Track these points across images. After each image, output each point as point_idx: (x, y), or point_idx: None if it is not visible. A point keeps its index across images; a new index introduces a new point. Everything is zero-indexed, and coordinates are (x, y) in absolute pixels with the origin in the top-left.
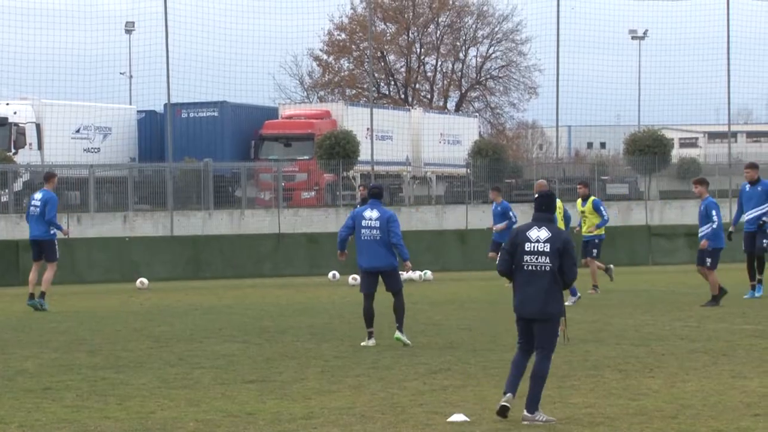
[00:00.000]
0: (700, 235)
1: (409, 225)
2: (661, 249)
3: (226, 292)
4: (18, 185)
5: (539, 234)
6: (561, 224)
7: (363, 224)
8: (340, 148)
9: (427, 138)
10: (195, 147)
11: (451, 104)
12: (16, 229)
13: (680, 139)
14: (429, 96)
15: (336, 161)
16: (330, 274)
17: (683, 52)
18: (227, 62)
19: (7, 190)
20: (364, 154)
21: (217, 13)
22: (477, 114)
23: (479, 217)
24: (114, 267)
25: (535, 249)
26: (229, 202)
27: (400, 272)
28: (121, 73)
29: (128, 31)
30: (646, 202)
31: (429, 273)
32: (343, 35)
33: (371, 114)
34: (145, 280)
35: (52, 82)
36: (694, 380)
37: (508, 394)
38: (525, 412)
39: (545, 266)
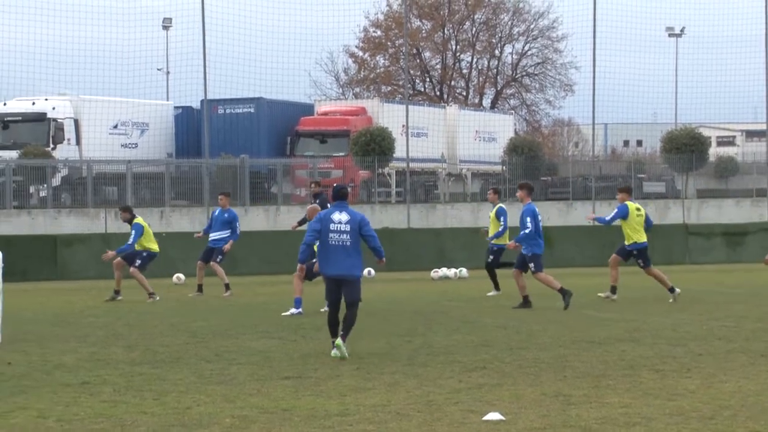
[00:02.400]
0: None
1: (444, 222)
2: (698, 248)
3: (262, 288)
4: (56, 180)
5: None
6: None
7: (331, 228)
8: (375, 145)
9: (462, 135)
10: (231, 143)
11: (486, 101)
12: (54, 224)
13: (717, 137)
14: (464, 93)
15: (371, 158)
16: (365, 271)
17: (720, 49)
18: (263, 58)
19: (45, 185)
20: (399, 150)
21: (254, 10)
22: (512, 111)
23: (514, 214)
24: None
25: None
26: (265, 198)
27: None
28: (158, 69)
29: (165, 28)
30: (683, 200)
31: (464, 271)
32: (379, 32)
33: (407, 111)
34: (181, 276)
35: (90, 78)
36: (732, 381)
37: None
38: None
39: None
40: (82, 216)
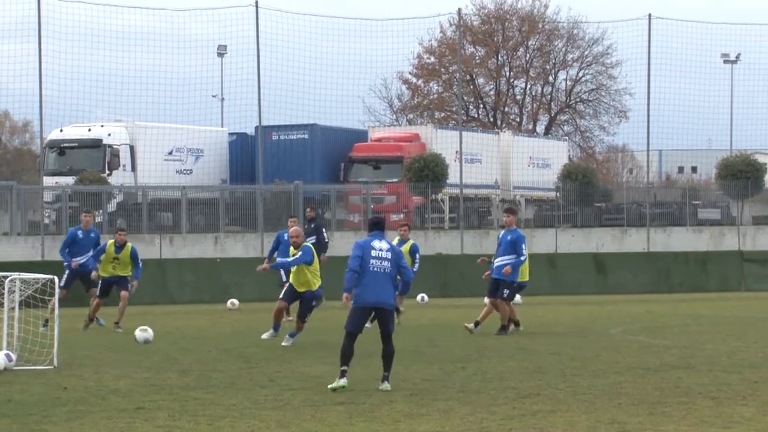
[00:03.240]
0: (499, 263)
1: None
2: (753, 275)
3: (316, 313)
4: (112, 206)
5: None
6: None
7: (372, 254)
8: (428, 171)
9: (516, 161)
10: (285, 169)
11: (540, 127)
12: None
13: None
14: (518, 119)
15: (425, 184)
16: (418, 297)
17: None
18: (318, 85)
19: (101, 211)
20: (452, 176)
21: (308, 36)
22: (566, 137)
23: (568, 241)
24: (205, 287)
25: None
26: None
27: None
28: (213, 96)
29: (220, 54)
30: (739, 227)
31: (518, 297)
32: (433, 58)
33: (460, 137)
34: (235, 301)
35: (145, 105)
36: None
37: None
38: None
39: None
40: (137, 242)
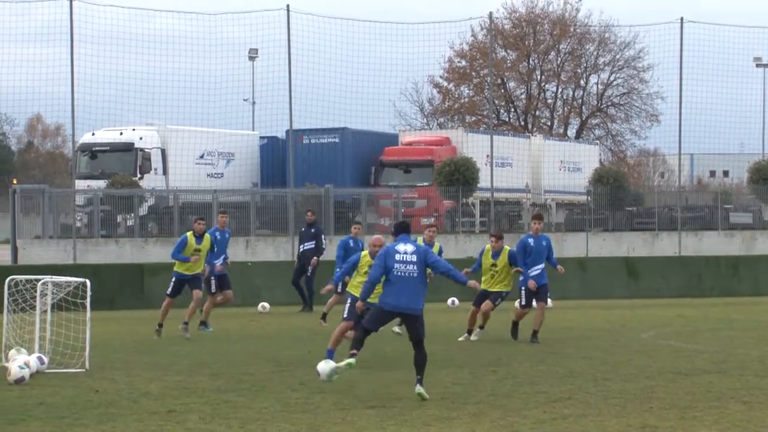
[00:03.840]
0: (537, 271)
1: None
2: None
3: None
4: (143, 210)
5: None
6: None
7: (397, 258)
8: (459, 175)
9: (547, 165)
10: (316, 173)
11: (571, 131)
12: (141, 252)
13: None
14: (549, 123)
15: (455, 188)
16: (449, 301)
17: None
18: (348, 88)
19: (132, 215)
20: (483, 180)
21: (339, 40)
22: (597, 141)
23: (599, 245)
24: (235, 290)
25: None
26: (349, 227)
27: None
28: (244, 100)
29: (251, 58)
30: None
31: (549, 301)
32: (464, 62)
33: (491, 141)
34: (266, 305)
35: (177, 108)
36: None
37: None
38: None
39: None
40: (169, 245)
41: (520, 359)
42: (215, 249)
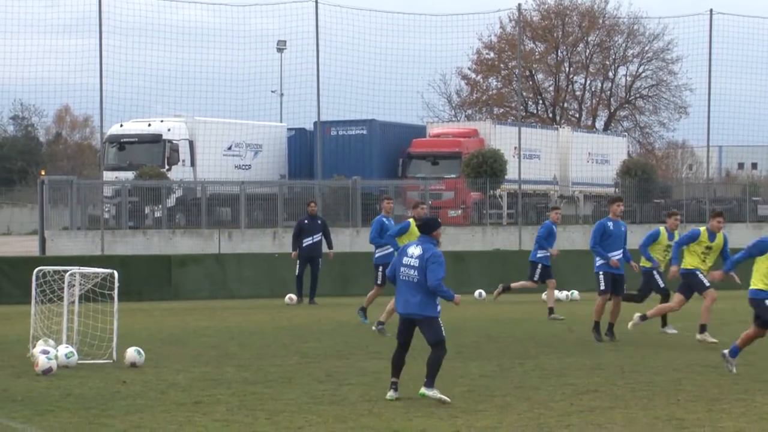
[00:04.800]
0: (619, 256)
1: (556, 244)
2: None
3: (374, 309)
4: (171, 201)
5: None
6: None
7: (403, 261)
8: (487, 167)
9: (574, 157)
10: (344, 164)
11: (599, 123)
12: (168, 244)
13: None
14: (577, 115)
15: (483, 180)
16: (476, 293)
17: None
18: (376, 80)
19: (160, 206)
20: (511, 172)
21: (367, 32)
22: (626, 133)
23: (628, 237)
24: (263, 282)
25: None
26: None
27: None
28: (272, 92)
29: (280, 50)
30: None
31: (576, 293)
32: (492, 54)
33: (519, 133)
34: (293, 296)
35: (205, 100)
36: None
37: None
38: None
39: None
40: (196, 236)
41: (548, 352)
42: None
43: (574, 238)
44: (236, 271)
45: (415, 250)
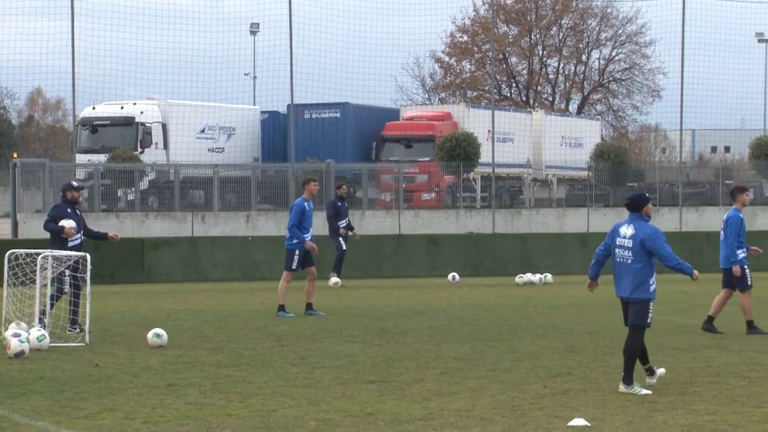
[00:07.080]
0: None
1: (529, 228)
2: None
3: (347, 292)
4: (144, 184)
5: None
6: None
7: (617, 242)
8: (461, 150)
9: (548, 140)
10: (317, 148)
11: (572, 107)
12: (141, 227)
13: None
14: (551, 98)
15: (456, 163)
16: (449, 276)
17: None
18: (350, 63)
19: (133, 189)
20: (484, 156)
21: (341, 15)
22: (599, 117)
23: (600, 221)
24: (236, 266)
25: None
26: (350, 202)
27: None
28: (245, 74)
29: (253, 33)
30: None
31: (549, 276)
32: (465, 37)
33: (492, 116)
34: (338, 280)
35: (178, 83)
36: None
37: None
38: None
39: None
40: (170, 219)
41: (521, 334)
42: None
43: (547, 222)
44: (209, 255)
45: (627, 230)
